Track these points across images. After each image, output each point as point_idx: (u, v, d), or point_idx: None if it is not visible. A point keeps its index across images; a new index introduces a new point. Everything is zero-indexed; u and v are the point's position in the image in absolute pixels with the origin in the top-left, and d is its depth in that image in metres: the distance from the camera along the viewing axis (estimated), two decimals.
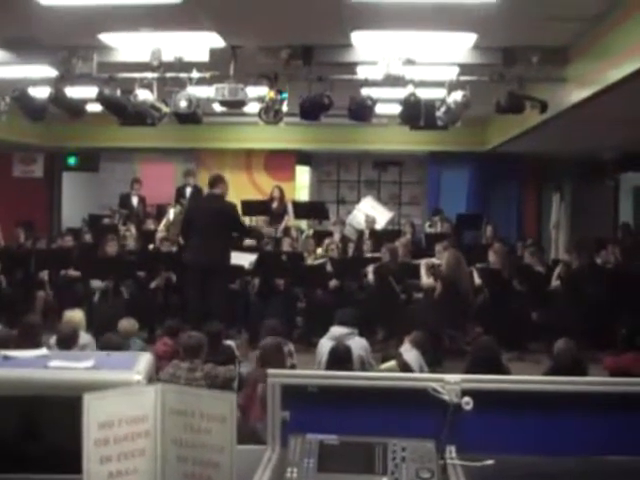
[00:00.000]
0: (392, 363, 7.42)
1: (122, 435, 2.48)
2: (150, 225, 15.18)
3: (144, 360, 2.90)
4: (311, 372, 3.34)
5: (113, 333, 8.55)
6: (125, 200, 15.96)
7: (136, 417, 2.51)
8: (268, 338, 7.52)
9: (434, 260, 11.47)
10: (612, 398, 2.94)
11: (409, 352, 8.14)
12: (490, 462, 2.81)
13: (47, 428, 2.77)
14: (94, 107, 11.15)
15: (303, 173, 19.03)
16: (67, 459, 2.54)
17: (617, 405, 2.93)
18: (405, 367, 7.42)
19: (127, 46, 9.95)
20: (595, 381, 3.09)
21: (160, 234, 13.78)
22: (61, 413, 2.69)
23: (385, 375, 3.09)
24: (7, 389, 2.73)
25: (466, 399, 2.89)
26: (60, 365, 2.83)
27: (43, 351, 3.12)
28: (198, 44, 9.77)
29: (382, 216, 15.96)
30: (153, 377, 2.93)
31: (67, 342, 7.69)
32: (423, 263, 11.40)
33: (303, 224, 16.54)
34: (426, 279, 11.22)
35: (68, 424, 2.53)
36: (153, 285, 12.47)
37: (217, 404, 2.51)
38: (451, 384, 2.93)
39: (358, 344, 8.48)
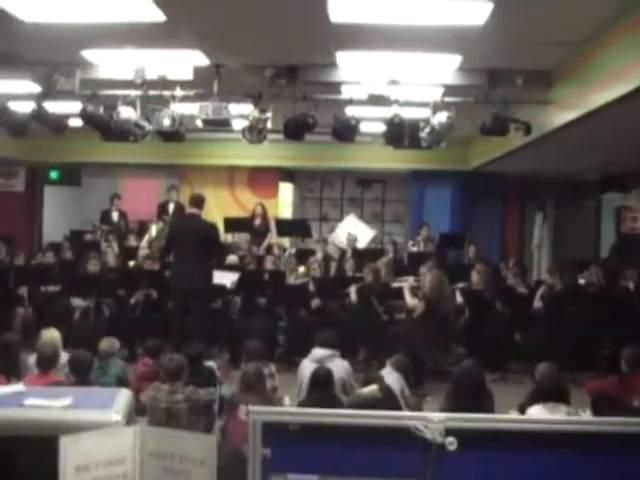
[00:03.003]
0: (374, 387, 7.35)
1: (100, 477, 2.43)
2: (132, 241, 15.11)
3: (123, 398, 2.85)
4: (292, 410, 3.30)
5: (92, 352, 8.46)
6: (106, 216, 15.88)
7: (114, 459, 2.46)
8: (249, 364, 7.47)
9: (415, 282, 11.47)
10: (601, 438, 2.90)
11: (390, 375, 8.08)
12: None
13: (23, 468, 2.71)
14: (76, 122, 11.08)
15: (286, 190, 18.98)
16: None
17: (607, 445, 2.89)
18: (387, 391, 7.36)
19: (110, 63, 9.89)
20: (584, 421, 3.06)
21: (143, 251, 13.71)
22: (38, 453, 2.63)
23: (367, 413, 3.02)
24: None
25: (450, 439, 2.85)
26: (37, 403, 2.77)
27: (20, 387, 3.05)
28: (182, 62, 9.73)
29: (365, 234, 15.92)
30: (132, 415, 2.88)
31: (47, 363, 7.59)
32: (406, 286, 11.37)
33: (286, 242, 16.48)
34: (410, 300, 11.19)
35: (45, 464, 2.47)
36: (133, 301, 12.37)
37: (197, 446, 2.47)
38: (434, 423, 2.88)
39: (339, 366, 8.41)
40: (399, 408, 7.37)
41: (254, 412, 2.96)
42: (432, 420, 2.89)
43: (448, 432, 2.86)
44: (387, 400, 7.18)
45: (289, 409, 3.21)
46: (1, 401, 2.85)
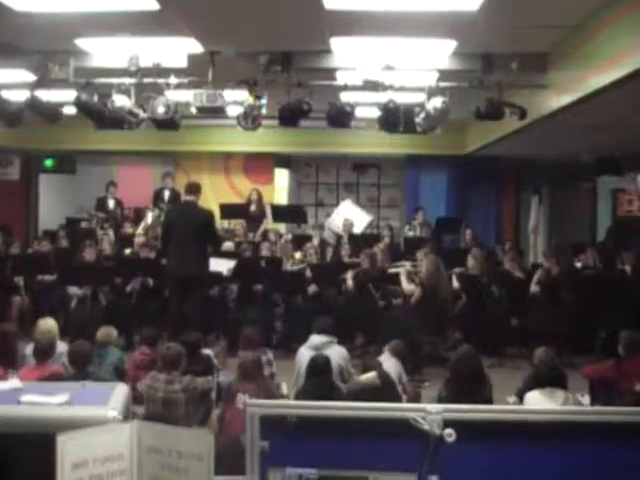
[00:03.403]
0: (372, 374, 7.35)
1: (97, 474, 2.43)
2: (128, 229, 15.11)
3: (119, 393, 2.84)
4: (290, 402, 3.30)
5: (89, 341, 8.46)
6: (102, 203, 15.85)
7: (111, 456, 2.46)
8: (248, 353, 7.47)
9: (411, 267, 11.47)
10: (602, 427, 2.90)
11: (388, 361, 8.10)
12: None
13: (19, 466, 2.70)
14: (71, 110, 11.04)
15: (282, 176, 18.95)
16: None
17: (608, 434, 2.88)
18: (385, 378, 7.37)
19: (104, 51, 9.85)
20: (584, 410, 3.06)
21: (139, 239, 13.69)
22: (34, 450, 2.62)
23: (365, 405, 3.02)
24: None
25: (448, 431, 2.84)
26: (33, 400, 2.76)
27: (16, 383, 3.04)
28: (176, 50, 9.70)
29: (361, 219, 15.90)
30: (129, 410, 2.87)
31: (44, 353, 7.59)
32: (403, 271, 11.36)
33: (282, 227, 16.47)
34: (407, 285, 11.19)
35: (42, 461, 2.47)
36: (129, 288, 12.38)
37: (194, 442, 2.47)
38: (432, 414, 2.87)
39: (337, 353, 8.42)
40: (397, 396, 7.39)
41: (252, 405, 2.95)
42: (430, 411, 2.88)
43: (446, 423, 2.86)
44: (385, 387, 7.19)
45: (287, 402, 3.21)
46: None
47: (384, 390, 7.10)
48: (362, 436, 2.92)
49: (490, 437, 2.87)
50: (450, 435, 2.84)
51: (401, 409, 2.99)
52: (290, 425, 2.94)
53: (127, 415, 2.83)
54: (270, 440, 2.93)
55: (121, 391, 2.88)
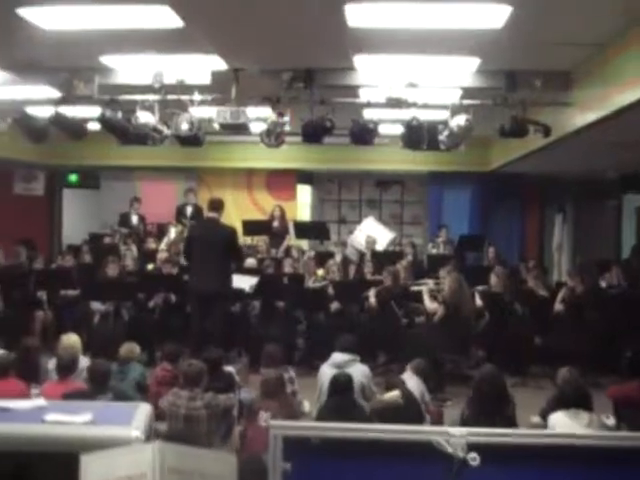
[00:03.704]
0: (395, 393, 7.31)
1: None
2: (151, 244, 15.15)
3: (142, 412, 2.84)
4: (313, 424, 3.28)
5: (111, 356, 8.49)
6: (125, 219, 15.90)
7: (134, 476, 2.44)
8: (270, 370, 7.47)
9: (434, 285, 11.44)
10: (629, 452, 2.86)
11: (410, 379, 8.06)
12: None
13: None
14: (95, 125, 11.10)
15: (304, 192, 18.96)
16: None
17: (636, 460, 2.84)
18: (408, 397, 7.32)
19: (129, 68, 9.91)
20: (610, 436, 3.01)
21: (162, 254, 13.73)
22: (57, 469, 2.62)
23: (388, 428, 2.99)
24: (3, 444, 2.66)
25: (472, 455, 2.81)
26: (57, 419, 2.76)
27: (40, 401, 3.04)
28: (200, 67, 9.74)
29: (383, 236, 15.85)
30: (152, 430, 2.86)
31: (67, 369, 7.62)
32: (425, 289, 11.33)
33: (304, 244, 16.45)
34: (430, 303, 11.15)
35: None
36: (151, 304, 12.42)
37: (217, 464, 2.45)
38: (456, 437, 2.85)
39: (359, 371, 8.40)
40: (421, 415, 7.35)
41: (275, 426, 2.94)
42: (454, 434, 2.86)
43: (470, 447, 2.83)
44: (409, 407, 7.14)
45: (310, 423, 3.18)
46: (22, 416, 2.85)
47: (407, 409, 7.06)
48: (385, 458, 2.90)
49: (514, 461, 2.84)
50: (474, 459, 2.82)
51: (425, 432, 2.97)
52: (313, 446, 2.92)
53: (150, 434, 2.82)
54: (293, 461, 2.91)
55: (144, 410, 2.88)
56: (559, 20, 7.71)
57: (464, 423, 6.76)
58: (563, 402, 6.63)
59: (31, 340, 9.21)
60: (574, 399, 6.56)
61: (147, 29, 7.97)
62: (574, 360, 8.38)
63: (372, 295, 11.87)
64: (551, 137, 10.39)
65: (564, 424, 6.28)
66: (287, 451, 2.92)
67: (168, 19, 7.60)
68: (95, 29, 7.99)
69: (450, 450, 2.83)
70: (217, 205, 10.74)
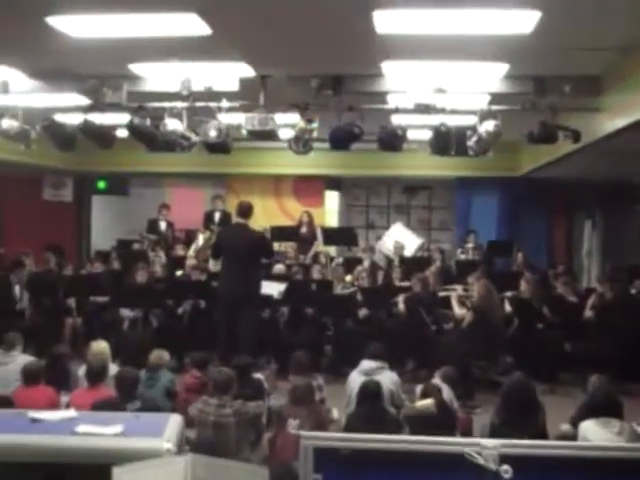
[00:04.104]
0: (430, 402, 7.20)
1: None
2: (179, 251, 15.19)
3: (173, 424, 2.83)
4: (344, 435, 3.25)
5: (140, 363, 8.52)
6: (153, 226, 15.95)
7: None
8: (299, 378, 7.47)
9: (462, 291, 11.39)
10: None
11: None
12: None
13: None
14: (123, 132, 11.15)
15: (332, 198, 18.95)
16: None
17: None
18: (442, 407, 7.22)
19: (157, 76, 9.94)
20: None
21: (190, 261, 13.77)
22: None
23: (419, 439, 2.97)
24: (35, 455, 2.66)
25: (505, 467, 2.79)
26: (88, 431, 2.76)
27: (71, 412, 3.05)
28: (228, 74, 9.75)
29: (412, 242, 15.82)
30: (182, 442, 2.86)
31: (96, 376, 7.66)
32: (454, 295, 11.29)
33: (332, 250, 16.43)
34: (458, 310, 11.12)
35: None
36: (180, 311, 12.47)
37: (249, 477, 2.44)
38: (488, 449, 2.83)
39: (388, 378, 8.39)
40: (453, 426, 7.28)
41: (306, 437, 2.92)
42: (486, 446, 2.83)
43: (503, 459, 2.81)
44: (441, 416, 7.04)
45: (341, 435, 3.16)
46: (53, 427, 2.86)
47: (439, 419, 6.97)
48: (416, 469, 2.88)
49: (547, 473, 2.81)
50: (506, 471, 2.79)
51: (456, 443, 2.94)
52: (343, 457, 2.91)
53: (181, 445, 2.82)
54: (324, 473, 2.90)
55: (175, 422, 2.88)
56: (588, 25, 7.66)
57: (493, 431, 6.72)
58: (593, 410, 6.58)
59: (61, 347, 9.29)
60: (604, 407, 6.51)
61: (175, 37, 7.99)
62: (604, 367, 8.34)
63: (401, 301, 11.86)
64: (581, 142, 10.31)
65: (594, 432, 6.23)
66: (318, 462, 2.91)
67: (196, 27, 7.62)
68: (124, 37, 8.02)
69: (482, 462, 2.81)
70: (246, 210, 10.75)
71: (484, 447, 2.83)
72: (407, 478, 2.88)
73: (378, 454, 2.93)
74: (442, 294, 11.84)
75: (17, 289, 12.81)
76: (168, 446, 2.68)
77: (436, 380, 8.25)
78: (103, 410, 5.81)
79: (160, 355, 8.72)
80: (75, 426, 2.84)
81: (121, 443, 2.72)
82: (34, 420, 2.95)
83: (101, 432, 2.78)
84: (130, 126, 10.33)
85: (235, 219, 11.26)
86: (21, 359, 8.46)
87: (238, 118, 10.25)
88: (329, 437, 3.09)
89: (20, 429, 3.07)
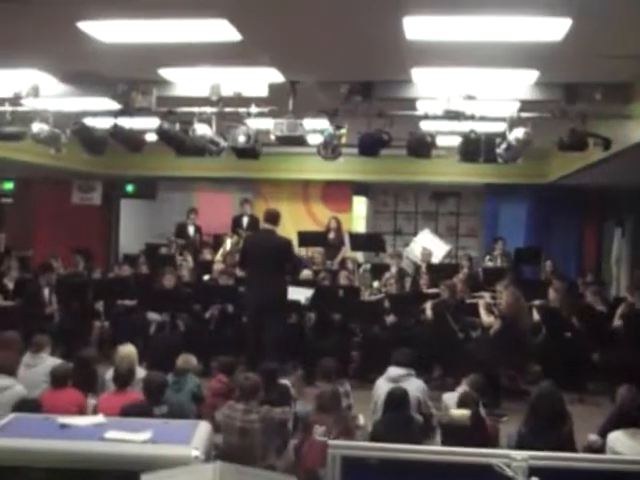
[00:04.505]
0: (465, 413, 7.08)
1: None
2: (207, 255, 15.23)
3: (201, 431, 2.83)
4: (372, 444, 3.24)
5: (167, 367, 8.54)
6: (181, 230, 16.02)
7: None
8: (326, 385, 7.47)
9: (490, 298, 11.35)
10: None
11: None
12: None
13: None
14: (152, 136, 11.18)
15: (360, 204, 18.94)
16: None
17: None
18: (477, 420, 7.09)
19: (186, 81, 9.96)
20: None
21: (218, 265, 13.80)
22: None
23: (448, 450, 2.96)
24: (63, 461, 2.67)
25: (534, 479, 2.76)
26: (117, 437, 2.77)
27: (100, 418, 3.06)
28: (257, 79, 9.75)
29: (439, 249, 15.79)
30: (210, 449, 2.86)
31: (124, 380, 7.69)
32: (482, 303, 11.25)
33: (359, 256, 16.42)
34: (486, 318, 11.07)
35: None
36: (207, 315, 12.50)
37: None
38: (518, 461, 2.80)
39: (415, 385, 8.38)
40: (484, 441, 7.20)
41: (334, 446, 2.91)
42: (515, 458, 2.81)
43: (532, 471, 2.78)
44: (474, 429, 6.94)
45: (369, 444, 3.15)
46: (82, 433, 2.86)
47: (472, 432, 6.87)
48: None
49: None
50: None
51: (485, 455, 2.92)
52: (371, 467, 2.89)
53: (209, 453, 2.82)
54: None
55: (203, 429, 2.88)
56: (620, 32, 7.60)
57: (520, 440, 6.68)
58: (622, 420, 6.55)
59: (89, 351, 9.32)
60: (633, 417, 6.47)
61: (205, 42, 8.00)
62: (633, 377, 8.25)
63: (429, 308, 11.83)
64: (611, 150, 10.24)
65: (623, 443, 6.19)
66: (345, 471, 2.90)
67: (226, 32, 7.63)
68: (154, 42, 8.04)
69: (511, 474, 2.78)
70: (273, 217, 10.77)
71: (513, 459, 2.81)
72: None
73: (407, 464, 2.91)
74: (470, 301, 11.79)
75: (46, 292, 12.89)
76: (196, 453, 2.68)
77: (462, 387, 8.21)
78: (132, 414, 5.86)
79: (187, 359, 8.73)
80: (104, 432, 2.85)
81: (149, 450, 2.72)
82: (63, 426, 2.96)
83: (130, 438, 2.78)
84: (159, 131, 10.37)
85: (262, 225, 11.26)
86: (49, 362, 8.50)
87: (267, 123, 10.26)
88: (357, 446, 3.08)
89: (49, 434, 3.09)
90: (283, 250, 10.61)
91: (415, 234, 17.24)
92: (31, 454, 2.80)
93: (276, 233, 10.78)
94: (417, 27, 7.33)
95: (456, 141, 10.77)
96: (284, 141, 10.24)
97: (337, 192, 18.35)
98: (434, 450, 3.02)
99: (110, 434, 2.83)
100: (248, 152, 10.57)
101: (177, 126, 10.43)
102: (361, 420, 8.33)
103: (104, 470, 2.68)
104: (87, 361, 8.67)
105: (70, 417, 3.06)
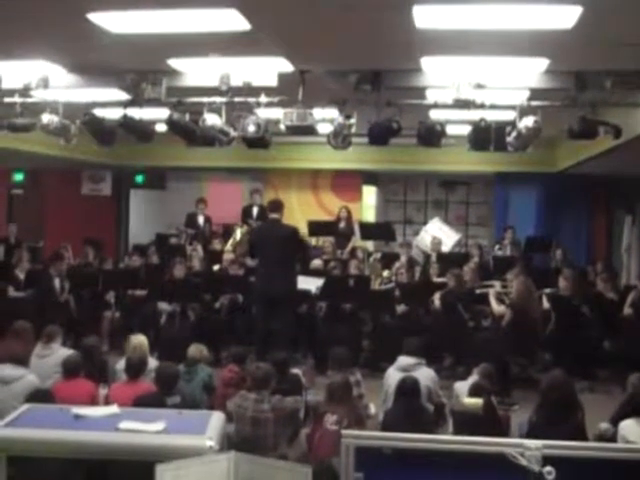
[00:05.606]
0: (478, 402, 7.06)
1: None
2: (217, 245, 15.23)
3: (215, 421, 2.84)
4: (385, 434, 3.24)
5: (178, 357, 8.56)
6: (191, 219, 16.01)
7: None
8: (337, 374, 7.48)
9: (501, 287, 11.34)
10: None
11: None
12: None
13: None
14: (162, 127, 11.19)
15: (370, 193, 18.91)
16: None
17: None
18: (489, 410, 7.07)
19: (196, 71, 9.95)
20: None
21: (228, 255, 13.81)
22: (131, 477, 2.63)
23: (461, 439, 2.96)
24: (78, 452, 2.68)
25: (548, 469, 2.77)
26: (131, 427, 2.78)
27: (114, 409, 3.07)
28: (266, 69, 9.73)
29: (449, 238, 15.78)
30: (224, 439, 2.87)
31: (135, 370, 7.71)
32: (492, 292, 11.23)
33: (369, 245, 16.41)
34: (497, 307, 11.05)
35: None
36: (218, 305, 12.52)
37: (291, 476, 2.44)
38: (532, 450, 2.80)
39: (425, 375, 8.39)
40: (496, 431, 7.19)
41: (347, 436, 2.92)
42: (529, 447, 2.81)
43: (546, 460, 2.78)
44: (487, 418, 6.92)
45: (382, 434, 3.15)
46: (96, 423, 2.87)
47: (484, 422, 6.85)
48: (458, 469, 2.87)
49: (591, 475, 2.79)
50: (550, 473, 2.77)
51: (499, 444, 2.92)
52: (385, 457, 2.90)
53: (223, 443, 2.83)
54: (365, 471, 2.89)
55: (217, 419, 2.89)
56: (631, 20, 7.55)
57: (532, 429, 6.68)
58: (633, 408, 6.54)
59: (93, 339, 9.28)
60: None
61: (215, 32, 7.99)
62: None
63: (437, 298, 11.83)
64: (622, 138, 10.21)
65: (634, 431, 6.19)
66: (359, 461, 2.91)
67: (236, 22, 7.61)
68: (163, 33, 8.03)
69: (525, 463, 2.79)
70: (277, 206, 10.85)
71: (527, 448, 2.82)
72: (449, 477, 2.87)
73: (420, 453, 2.92)
74: (480, 291, 11.77)
75: (57, 283, 12.91)
76: (211, 444, 2.69)
77: (473, 376, 8.21)
78: (144, 405, 5.87)
79: (198, 349, 8.75)
80: (118, 423, 2.86)
81: (164, 440, 2.73)
82: (77, 416, 2.98)
83: (144, 429, 2.79)
84: (169, 121, 10.36)
85: (269, 216, 11.27)
86: (60, 352, 8.52)
87: (277, 113, 10.25)
88: (371, 436, 3.08)
89: (63, 425, 3.10)
90: (290, 238, 10.65)
91: (425, 223, 17.24)
92: (46, 445, 2.81)
93: (282, 222, 10.82)
94: (427, 15, 7.30)
95: (466, 130, 10.73)
96: (294, 131, 10.23)
97: (347, 181, 18.32)
98: (448, 440, 3.03)
99: (124, 425, 2.84)
100: (258, 142, 10.56)
101: (187, 116, 10.43)
102: (372, 409, 8.35)
103: (119, 460, 2.69)
104: (91, 350, 8.65)
105: (84, 408, 3.08)
